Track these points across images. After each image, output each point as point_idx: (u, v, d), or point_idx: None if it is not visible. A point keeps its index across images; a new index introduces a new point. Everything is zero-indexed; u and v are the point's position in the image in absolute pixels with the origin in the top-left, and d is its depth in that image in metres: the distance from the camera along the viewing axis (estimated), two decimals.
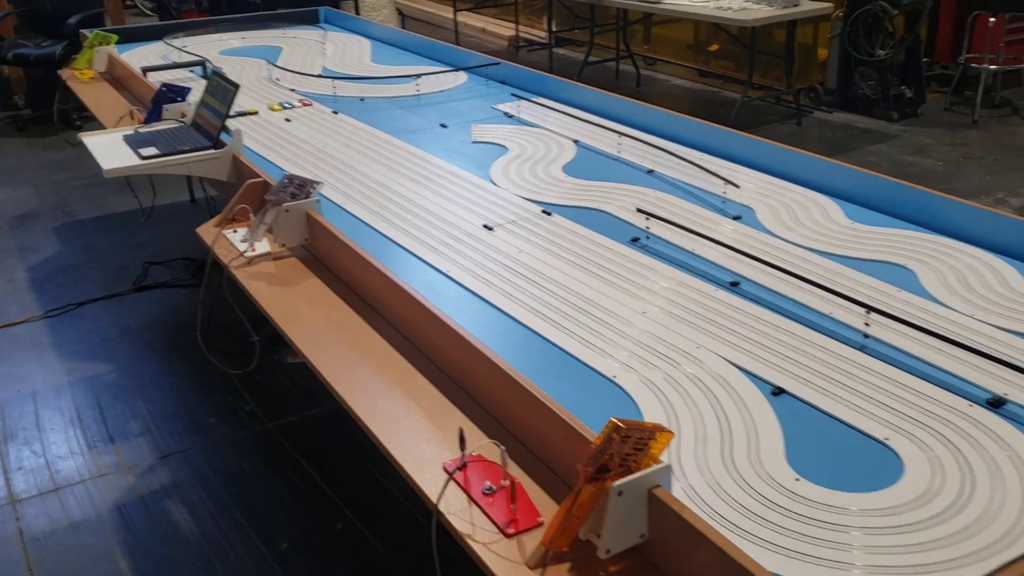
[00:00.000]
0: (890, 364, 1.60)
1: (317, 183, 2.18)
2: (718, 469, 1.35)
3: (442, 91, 3.53)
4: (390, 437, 1.48)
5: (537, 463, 1.39)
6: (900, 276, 1.92)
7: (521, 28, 8.20)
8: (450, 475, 1.34)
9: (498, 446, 1.33)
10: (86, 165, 5.48)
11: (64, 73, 4.08)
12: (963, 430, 1.41)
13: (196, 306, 3.66)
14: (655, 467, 1.19)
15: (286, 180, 2.17)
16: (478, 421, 1.50)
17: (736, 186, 2.34)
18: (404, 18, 8.70)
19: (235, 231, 2.28)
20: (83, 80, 4.01)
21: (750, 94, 6.09)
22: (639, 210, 2.20)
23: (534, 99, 3.18)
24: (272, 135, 3.01)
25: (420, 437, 1.48)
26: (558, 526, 1.17)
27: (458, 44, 8.05)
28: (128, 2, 9.64)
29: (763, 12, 5.32)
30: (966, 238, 2.07)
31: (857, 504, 1.27)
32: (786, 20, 5.65)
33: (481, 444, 1.37)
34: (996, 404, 1.48)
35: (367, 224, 2.29)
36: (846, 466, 1.35)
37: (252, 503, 2.56)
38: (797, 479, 1.32)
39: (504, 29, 8.43)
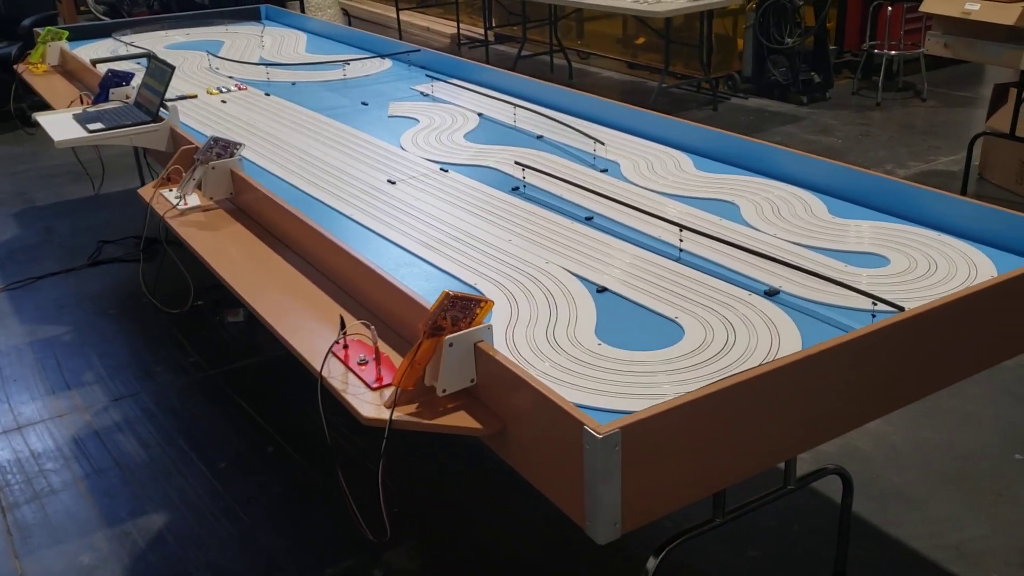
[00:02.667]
0: (696, 269, 1.99)
1: (239, 144, 2.54)
2: (541, 341, 1.72)
3: (367, 76, 3.89)
4: (289, 331, 1.84)
5: (402, 342, 1.76)
6: (727, 209, 2.32)
7: (463, 26, 8.57)
8: (329, 349, 1.70)
9: (368, 326, 1.70)
10: (43, 157, 5.77)
11: (19, 67, 4.40)
12: (735, 308, 1.81)
13: (146, 277, 3.99)
14: (479, 327, 1.56)
15: (212, 142, 2.52)
16: (360, 316, 1.87)
17: (602, 143, 2.73)
18: (349, 18, 9.04)
19: (170, 190, 2.63)
20: (37, 73, 4.33)
21: (668, 82, 6.52)
22: (517, 162, 2.58)
23: (447, 80, 3.55)
24: (209, 114, 3.35)
25: (314, 330, 1.85)
26: (404, 371, 1.54)
27: (400, 38, 8.42)
28: (82, 8, 9.88)
29: (676, 4, 5.74)
30: (790, 179, 2.48)
31: (644, 358, 1.65)
32: (698, 11, 6.08)
33: (356, 324, 1.74)
34: (771, 294, 1.87)
35: (287, 182, 2.64)
36: (640, 335, 1.74)
37: (194, 434, 2.90)
38: (599, 344, 1.71)
39: (447, 27, 8.80)
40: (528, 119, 3.13)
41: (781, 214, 2.27)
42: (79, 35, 4.72)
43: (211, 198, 2.53)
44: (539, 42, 7.79)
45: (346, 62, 4.06)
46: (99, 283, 4.00)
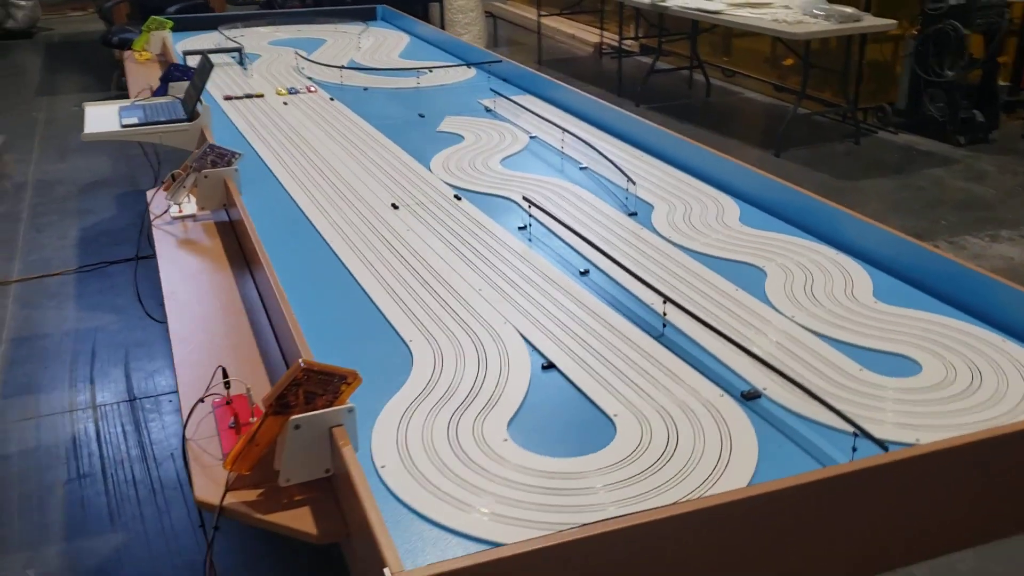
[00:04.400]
0: (674, 352, 1.65)
1: (237, 154, 2.37)
2: (439, 428, 1.44)
3: (443, 85, 3.68)
4: (184, 378, 1.63)
5: None
6: (750, 277, 1.95)
7: (609, 35, 8.26)
8: (196, 404, 1.48)
9: (244, 384, 1.47)
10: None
11: (125, 54, 4.45)
12: (694, 412, 1.46)
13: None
14: (337, 408, 1.30)
15: (208, 149, 2.37)
16: (273, 367, 1.64)
17: (633, 183, 2.39)
18: (496, 20, 8.88)
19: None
20: (140, 61, 4.36)
21: (808, 108, 5.99)
22: (524, 198, 2.29)
23: (508, 97, 3.28)
24: (261, 115, 3.22)
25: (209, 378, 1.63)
26: (239, 452, 1.30)
27: (540, 48, 8.19)
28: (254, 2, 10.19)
29: (817, 26, 5.23)
30: (846, 246, 2.07)
31: (545, 466, 1.34)
32: (841, 35, 5.54)
33: (235, 381, 1.51)
34: (750, 397, 1.51)
35: (291, 197, 2.45)
36: (561, 434, 1.42)
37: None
38: (505, 440, 1.41)
39: (593, 36, 8.51)
40: (579, 146, 2.82)
41: (812, 291, 1.88)
42: (187, 26, 4.75)
43: (203, 208, 2.37)
44: (683, 55, 7.38)
45: (428, 69, 3.87)
46: None
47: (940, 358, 1.61)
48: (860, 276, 1.94)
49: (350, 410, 1.31)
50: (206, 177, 2.33)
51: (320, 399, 1.30)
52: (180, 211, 2.40)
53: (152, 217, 2.38)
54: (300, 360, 1.29)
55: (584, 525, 1.12)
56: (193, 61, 4.05)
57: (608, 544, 1.11)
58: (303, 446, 1.29)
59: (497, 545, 1.16)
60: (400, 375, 1.59)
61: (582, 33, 8.72)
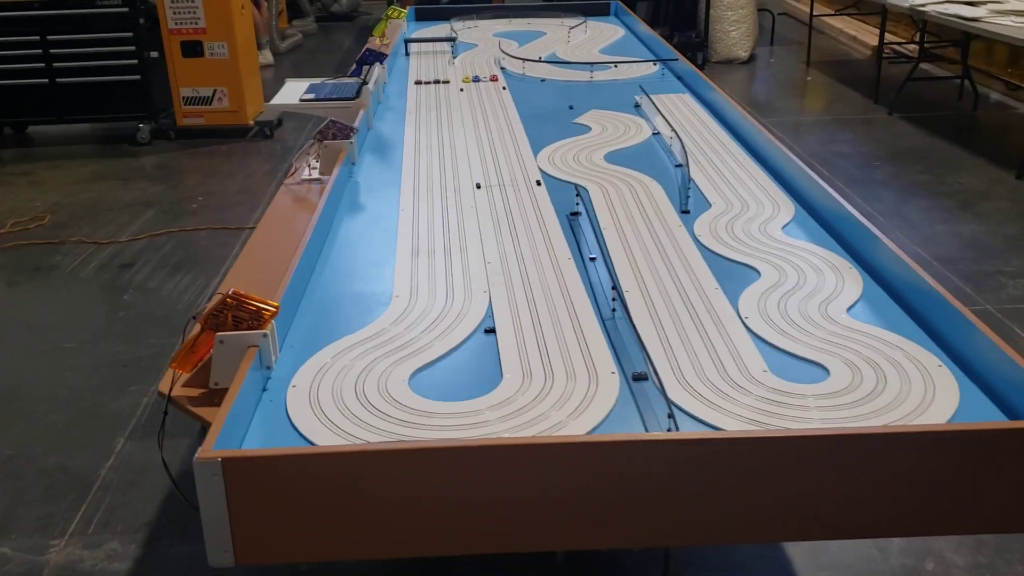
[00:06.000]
0: (607, 335, 1.78)
1: (355, 129, 2.74)
2: (358, 367, 1.70)
3: (615, 80, 3.85)
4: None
5: None
6: (742, 277, 2.00)
7: (892, 39, 7.83)
8: (189, 320, 1.85)
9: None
10: None
11: (369, 38, 5.04)
12: (578, 381, 1.60)
13: None
14: (255, 332, 1.61)
15: (330, 123, 2.76)
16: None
17: (691, 181, 2.46)
18: (773, 16, 8.69)
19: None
20: (378, 45, 4.94)
21: None
22: (576, 186, 2.45)
23: (649, 95, 3.38)
24: (433, 98, 3.60)
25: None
26: (182, 356, 1.65)
27: (809, 48, 7.93)
28: None
29: None
30: (869, 265, 2.04)
31: (424, 406, 1.56)
32: None
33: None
34: (637, 377, 1.63)
35: (401, 166, 2.79)
36: (454, 383, 1.63)
37: None
38: (403, 381, 1.64)
39: (874, 38, 8.09)
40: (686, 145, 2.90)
41: (786, 305, 1.89)
42: (428, 16, 5.25)
43: (323, 173, 2.78)
44: (958, 63, 6.86)
45: (614, 64, 4.05)
46: None
47: (853, 367, 1.61)
48: (852, 290, 1.92)
49: (265, 335, 1.61)
50: (326, 147, 2.74)
51: (244, 323, 1.62)
52: (309, 174, 2.83)
53: (287, 177, 2.82)
54: (230, 290, 1.62)
55: (383, 442, 1.34)
56: (413, 48, 4.55)
57: (398, 460, 1.32)
58: (227, 357, 1.62)
59: None
60: (367, 321, 1.87)
61: (863, 35, 8.33)
